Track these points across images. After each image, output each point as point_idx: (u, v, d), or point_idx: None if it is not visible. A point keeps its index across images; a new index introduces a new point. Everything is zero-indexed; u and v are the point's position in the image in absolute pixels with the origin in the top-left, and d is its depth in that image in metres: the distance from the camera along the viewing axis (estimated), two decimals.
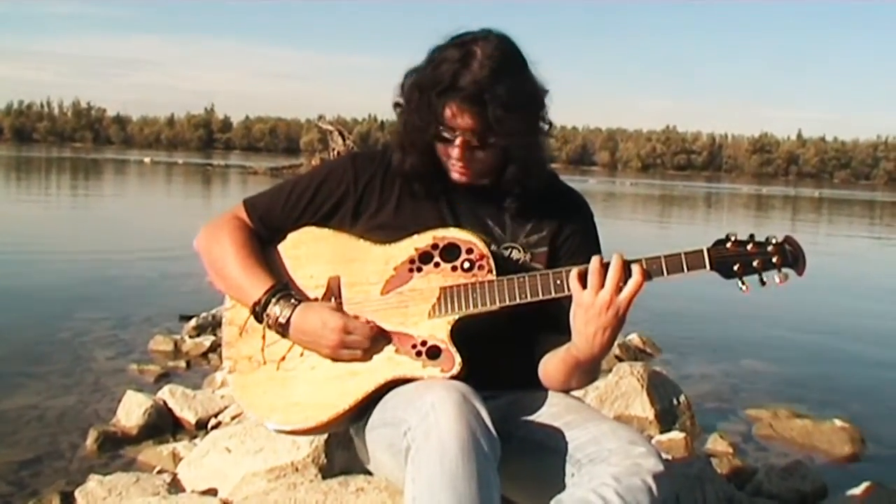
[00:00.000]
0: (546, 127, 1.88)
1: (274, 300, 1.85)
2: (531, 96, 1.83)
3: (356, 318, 1.83)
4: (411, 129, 1.84)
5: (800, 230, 22.19)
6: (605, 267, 1.68)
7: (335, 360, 1.83)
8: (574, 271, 1.71)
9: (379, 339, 1.82)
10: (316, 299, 1.89)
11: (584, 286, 1.68)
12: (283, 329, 1.85)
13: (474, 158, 1.83)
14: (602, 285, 1.66)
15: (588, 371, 1.83)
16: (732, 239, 1.69)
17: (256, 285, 1.88)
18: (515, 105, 1.76)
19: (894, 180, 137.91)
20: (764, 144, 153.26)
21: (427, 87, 1.78)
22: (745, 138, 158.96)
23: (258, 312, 1.87)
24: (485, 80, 1.74)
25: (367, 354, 1.81)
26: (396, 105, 1.89)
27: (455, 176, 1.87)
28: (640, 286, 1.67)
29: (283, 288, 1.88)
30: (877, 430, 4.44)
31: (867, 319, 8.42)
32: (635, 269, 1.67)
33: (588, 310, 1.67)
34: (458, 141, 1.80)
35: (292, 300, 1.86)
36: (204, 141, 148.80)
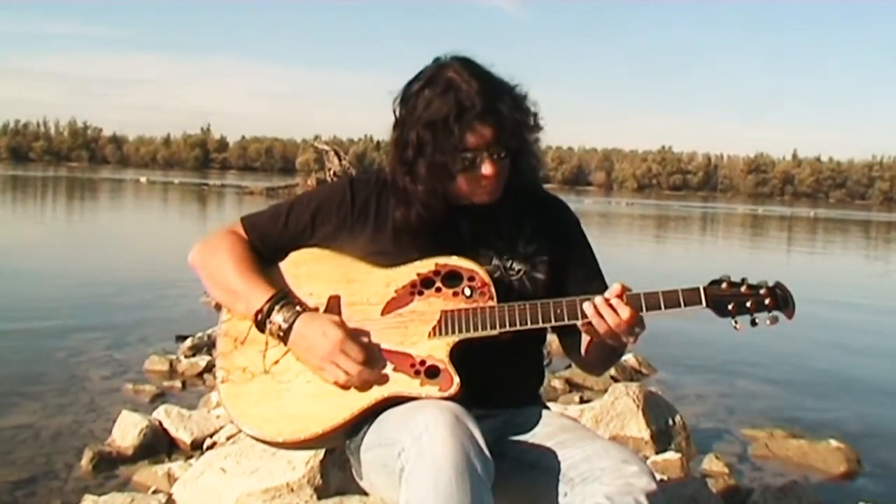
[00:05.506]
0: (535, 119, 1.90)
1: (278, 307, 1.85)
2: (517, 89, 1.86)
3: (359, 340, 1.82)
4: (432, 170, 1.81)
5: (795, 251, 22.27)
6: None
7: (321, 374, 1.82)
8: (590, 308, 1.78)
9: (377, 357, 1.82)
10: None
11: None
12: (284, 335, 1.84)
13: (501, 171, 1.85)
14: (617, 314, 1.76)
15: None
16: (727, 280, 1.77)
17: (258, 293, 1.87)
18: (519, 100, 1.83)
19: (889, 200, 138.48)
20: (759, 164, 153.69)
21: (440, 122, 1.76)
22: (740, 158, 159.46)
23: (261, 320, 1.85)
24: (484, 90, 1.77)
25: (350, 380, 1.80)
26: (403, 163, 1.84)
27: (483, 198, 1.88)
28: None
29: (285, 296, 1.88)
30: (873, 451, 4.44)
31: (862, 341, 8.42)
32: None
33: (610, 331, 1.77)
34: (485, 159, 1.80)
35: (296, 308, 1.85)
36: (200, 160, 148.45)
